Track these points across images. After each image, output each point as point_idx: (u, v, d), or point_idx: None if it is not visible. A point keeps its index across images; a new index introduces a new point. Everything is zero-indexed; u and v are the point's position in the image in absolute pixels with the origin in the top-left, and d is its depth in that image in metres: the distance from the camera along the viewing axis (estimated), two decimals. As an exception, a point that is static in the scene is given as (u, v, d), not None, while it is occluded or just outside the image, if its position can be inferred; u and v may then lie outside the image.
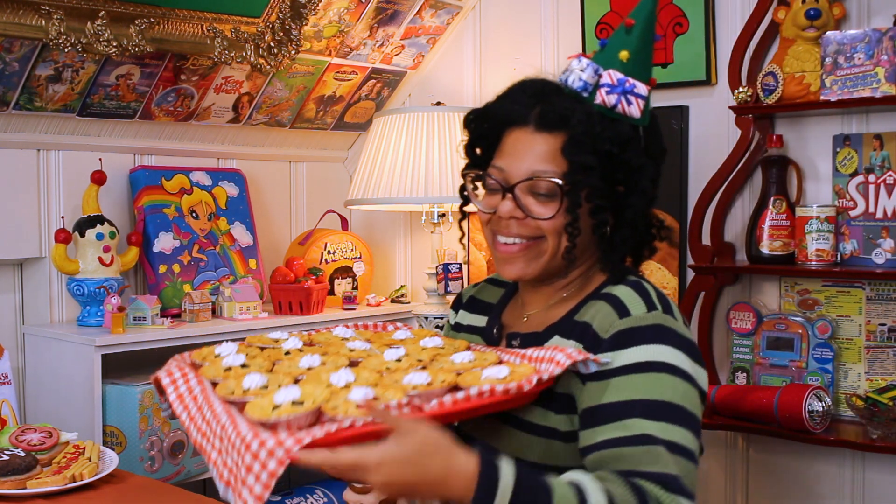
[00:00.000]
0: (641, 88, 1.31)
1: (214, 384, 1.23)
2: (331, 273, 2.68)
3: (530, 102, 1.35)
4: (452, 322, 1.58)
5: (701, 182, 2.26)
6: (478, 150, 1.44)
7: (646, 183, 1.32)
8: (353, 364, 1.28)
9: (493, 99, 1.41)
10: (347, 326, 1.52)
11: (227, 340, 1.39)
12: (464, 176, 1.44)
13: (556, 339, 1.33)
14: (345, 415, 1.05)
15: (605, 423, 1.17)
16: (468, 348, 1.37)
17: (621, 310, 1.27)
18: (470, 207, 1.46)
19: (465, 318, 1.55)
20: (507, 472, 1.06)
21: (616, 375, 1.20)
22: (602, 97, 1.31)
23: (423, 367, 1.24)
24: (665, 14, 2.36)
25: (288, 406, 1.07)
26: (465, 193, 1.45)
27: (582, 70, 1.32)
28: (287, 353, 1.34)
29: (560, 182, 1.30)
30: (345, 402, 1.08)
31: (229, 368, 1.27)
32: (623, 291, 1.30)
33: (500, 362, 1.27)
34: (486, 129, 1.41)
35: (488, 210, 1.37)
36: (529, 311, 1.42)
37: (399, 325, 1.54)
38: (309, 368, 1.24)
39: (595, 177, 1.29)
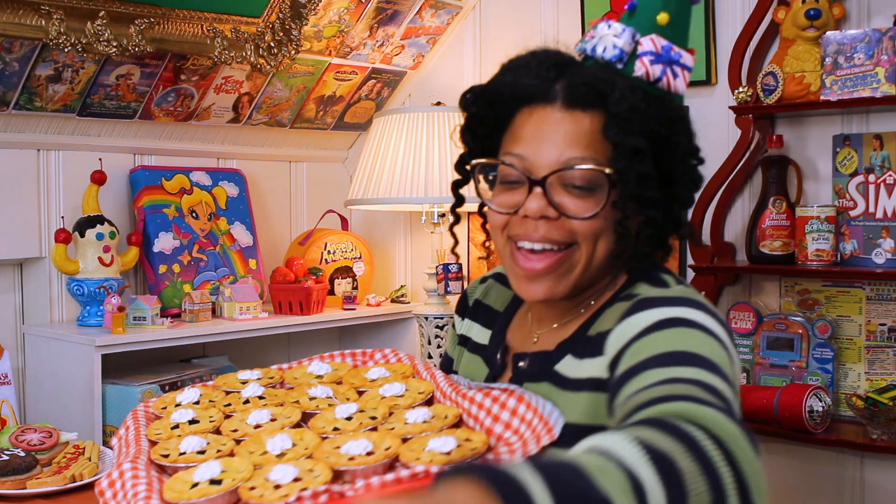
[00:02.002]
0: (688, 59, 1.11)
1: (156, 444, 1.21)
2: (331, 273, 2.68)
3: (551, 74, 1.10)
4: (459, 331, 1.37)
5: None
6: (480, 134, 1.19)
7: (697, 171, 1.12)
8: (306, 417, 1.21)
9: (499, 72, 1.15)
10: (326, 358, 1.39)
11: (194, 387, 1.36)
12: (465, 167, 1.18)
13: (569, 359, 1.11)
14: (258, 501, 1.01)
15: (627, 382, 0.95)
16: (430, 397, 1.22)
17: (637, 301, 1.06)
18: (468, 207, 1.24)
19: (472, 329, 1.33)
20: (527, 475, 0.69)
21: (635, 341, 0.99)
22: (646, 67, 1.08)
23: (374, 428, 1.14)
24: (665, 14, 2.36)
25: (205, 486, 1.04)
26: (460, 191, 1.21)
27: (616, 35, 1.09)
28: (246, 401, 1.27)
29: (607, 170, 1.05)
30: (263, 484, 1.04)
31: (176, 426, 1.22)
32: (642, 289, 1.10)
33: (460, 423, 1.13)
34: (493, 109, 1.15)
35: (505, 209, 1.11)
36: (541, 328, 1.19)
37: (387, 352, 1.39)
38: (257, 426, 1.18)
39: (647, 162, 1.05)
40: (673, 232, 1.14)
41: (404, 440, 1.08)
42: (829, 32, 2.04)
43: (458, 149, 1.22)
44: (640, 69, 1.08)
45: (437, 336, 2.50)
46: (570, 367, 1.10)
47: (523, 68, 1.12)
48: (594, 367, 1.07)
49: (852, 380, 2.14)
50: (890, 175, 2.05)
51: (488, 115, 1.16)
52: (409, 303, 2.78)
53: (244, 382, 1.33)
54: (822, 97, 2.03)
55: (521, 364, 1.18)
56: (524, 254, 1.10)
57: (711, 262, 2.21)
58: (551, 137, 1.08)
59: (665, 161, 1.08)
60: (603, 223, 1.07)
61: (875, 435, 1.98)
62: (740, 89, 2.14)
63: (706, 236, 2.24)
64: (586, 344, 1.09)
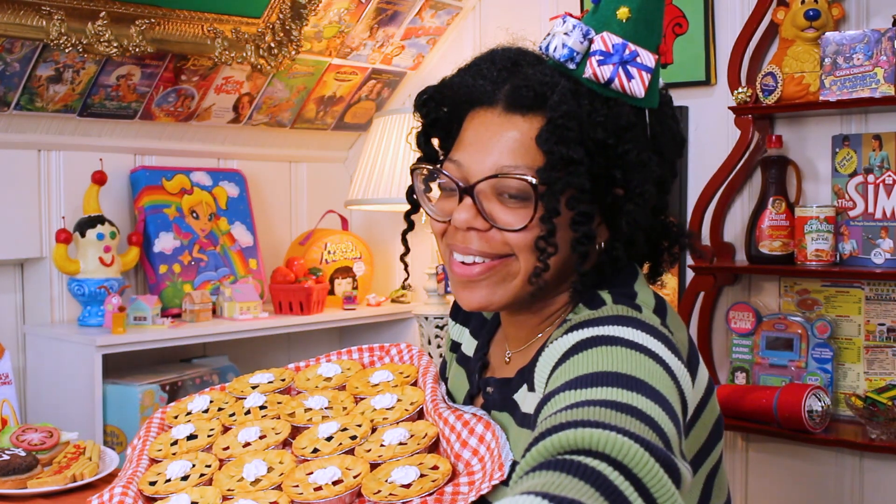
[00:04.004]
0: (646, 58, 0.99)
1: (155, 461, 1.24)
2: (331, 273, 2.68)
3: (500, 76, 1.04)
4: (451, 336, 1.32)
5: (700, 182, 2.26)
6: (434, 140, 1.14)
7: (647, 185, 1.00)
8: (296, 431, 1.23)
9: (453, 72, 1.09)
10: (344, 354, 1.42)
11: (205, 392, 1.38)
12: (412, 172, 1.11)
13: (524, 389, 1.05)
14: None
15: (541, 409, 0.87)
16: (421, 409, 1.21)
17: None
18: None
19: (463, 335, 1.27)
20: None
21: (556, 368, 0.92)
22: (593, 68, 0.98)
23: (351, 450, 1.15)
24: (665, 14, 2.36)
25: None
26: (415, 196, 1.13)
27: (566, 34, 1.00)
28: (247, 412, 1.29)
29: (533, 180, 0.98)
30: None
31: (175, 442, 1.25)
32: (576, 312, 1.04)
33: (435, 447, 1.14)
34: (444, 111, 1.10)
35: (442, 217, 1.06)
36: (513, 347, 1.13)
37: (402, 347, 1.40)
38: (245, 444, 1.20)
39: (580, 174, 0.96)
40: (627, 251, 1.04)
41: (375, 465, 1.10)
42: (828, 33, 2.04)
43: (411, 147, 1.17)
44: (588, 70, 0.99)
45: (437, 336, 2.51)
46: (524, 398, 1.05)
47: (474, 69, 1.06)
48: (533, 403, 1.02)
49: (851, 380, 2.14)
50: (889, 175, 2.05)
51: (441, 117, 1.11)
52: (409, 303, 2.78)
53: (255, 387, 1.35)
54: (821, 97, 2.03)
55: (488, 390, 1.13)
56: (458, 262, 1.05)
57: (711, 262, 2.22)
58: (488, 144, 1.02)
59: (614, 172, 0.99)
60: (536, 234, 0.99)
61: (874, 435, 1.98)
62: (739, 90, 2.14)
63: (706, 236, 2.24)
64: (531, 373, 1.03)
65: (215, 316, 2.39)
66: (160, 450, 1.25)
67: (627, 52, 0.98)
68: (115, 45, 2.09)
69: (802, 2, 2.10)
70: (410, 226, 1.16)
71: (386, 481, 1.06)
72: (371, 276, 2.81)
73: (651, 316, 1.00)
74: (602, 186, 1.00)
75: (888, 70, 1.96)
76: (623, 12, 0.99)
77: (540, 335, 1.09)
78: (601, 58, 0.98)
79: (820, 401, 2.04)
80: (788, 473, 2.24)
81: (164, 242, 2.37)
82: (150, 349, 2.19)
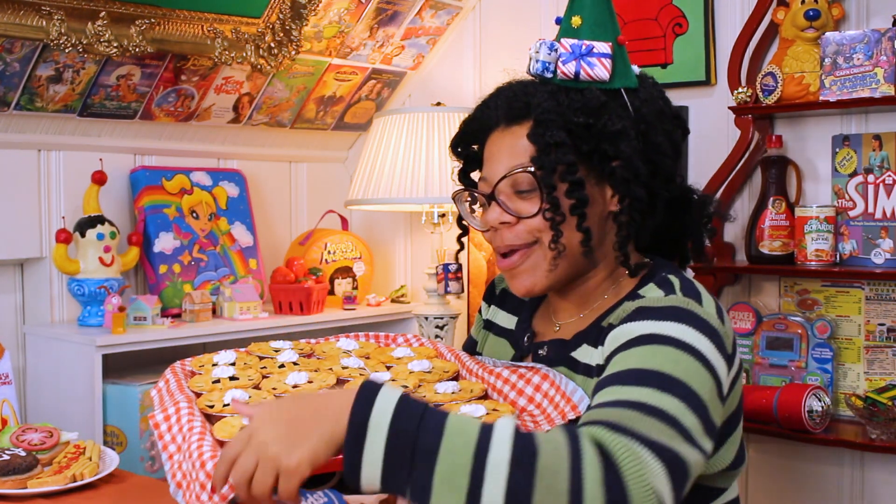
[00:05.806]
0: (601, 47, 1.23)
1: (199, 395, 1.25)
2: (331, 273, 2.68)
3: (500, 102, 1.29)
4: (485, 316, 1.51)
5: (700, 182, 2.25)
6: (473, 175, 1.39)
7: (632, 151, 1.21)
8: (340, 383, 1.26)
9: (469, 114, 1.36)
10: (351, 336, 1.47)
11: (228, 349, 1.39)
12: (454, 199, 1.38)
13: (584, 347, 1.25)
14: None
15: (595, 395, 1.05)
16: (456, 375, 1.30)
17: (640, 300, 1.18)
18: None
19: (497, 315, 1.48)
20: (389, 391, 0.95)
21: (617, 353, 1.10)
22: (560, 69, 1.23)
23: None
24: (664, 14, 2.37)
25: None
26: (463, 220, 1.39)
27: (537, 52, 1.25)
28: (281, 366, 1.32)
29: (531, 168, 1.22)
30: None
31: (218, 381, 1.27)
32: (648, 289, 1.22)
33: (485, 396, 1.21)
34: (471, 149, 1.37)
35: (484, 227, 1.31)
36: (561, 320, 1.34)
37: (409, 336, 1.48)
38: (294, 386, 1.23)
39: (567, 153, 1.19)
40: (633, 214, 1.23)
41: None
42: (828, 33, 2.05)
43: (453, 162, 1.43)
44: (559, 73, 1.24)
45: (437, 336, 2.51)
46: (585, 354, 1.24)
47: (484, 104, 1.32)
48: (599, 356, 1.19)
49: (851, 380, 2.14)
50: (889, 175, 2.05)
51: (471, 153, 1.38)
52: (409, 303, 2.78)
53: (277, 350, 1.37)
54: (821, 97, 2.04)
55: (540, 352, 1.32)
56: (500, 257, 1.29)
57: (711, 262, 2.22)
58: (499, 154, 1.27)
59: (603, 146, 1.20)
60: (544, 210, 1.21)
61: (874, 435, 1.98)
62: (740, 90, 2.14)
63: (706, 236, 2.24)
64: (599, 333, 1.22)
65: (215, 316, 2.38)
66: (202, 386, 1.27)
67: (583, 48, 1.22)
68: (115, 45, 2.09)
69: (802, 2, 2.10)
70: (465, 231, 1.41)
71: None
72: (371, 276, 2.81)
73: (710, 311, 1.17)
74: (598, 162, 1.22)
75: (888, 70, 1.96)
76: (576, 21, 1.24)
77: (596, 306, 1.28)
78: (564, 59, 1.23)
79: (820, 401, 2.04)
80: (788, 473, 2.24)
81: (164, 242, 2.36)
82: (150, 349, 2.18)
